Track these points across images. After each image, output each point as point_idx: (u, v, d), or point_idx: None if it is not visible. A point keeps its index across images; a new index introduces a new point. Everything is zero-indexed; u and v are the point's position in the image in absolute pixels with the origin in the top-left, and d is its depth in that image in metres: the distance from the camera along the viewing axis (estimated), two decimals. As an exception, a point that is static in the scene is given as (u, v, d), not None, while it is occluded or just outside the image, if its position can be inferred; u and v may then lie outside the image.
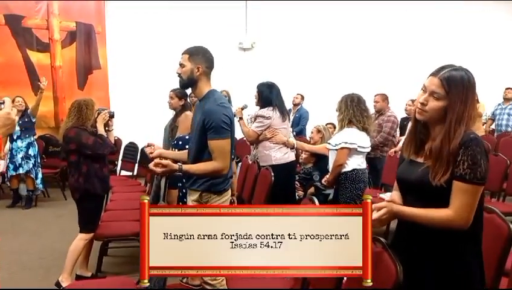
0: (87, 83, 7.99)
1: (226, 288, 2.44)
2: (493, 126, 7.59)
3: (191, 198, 2.59)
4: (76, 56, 7.91)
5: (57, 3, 7.72)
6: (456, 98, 1.57)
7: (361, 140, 3.51)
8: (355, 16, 8.50)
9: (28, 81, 7.54)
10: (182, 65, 2.47)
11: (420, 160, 1.68)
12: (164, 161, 2.37)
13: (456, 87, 1.57)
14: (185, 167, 2.44)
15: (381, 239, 1.76)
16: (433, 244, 1.63)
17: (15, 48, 7.59)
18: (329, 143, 3.70)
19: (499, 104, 7.31)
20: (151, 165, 2.39)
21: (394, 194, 1.81)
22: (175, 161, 2.57)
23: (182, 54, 2.49)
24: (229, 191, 2.62)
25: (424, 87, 1.64)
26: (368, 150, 3.63)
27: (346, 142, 3.46)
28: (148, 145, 2.73)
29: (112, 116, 3.62)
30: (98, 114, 3.49)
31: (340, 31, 8.44)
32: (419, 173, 1.64)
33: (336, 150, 3.52)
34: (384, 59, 8.48)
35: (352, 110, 3.50)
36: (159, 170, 2.36)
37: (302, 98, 7.43)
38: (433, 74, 1.62)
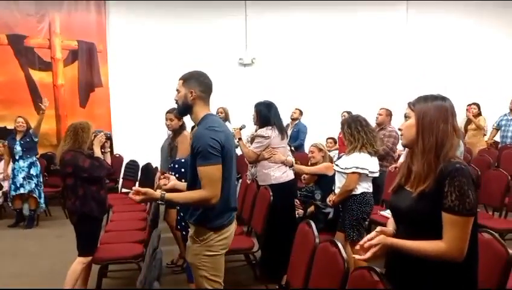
0: (89, 101, 8.03)
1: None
2: (497, 137, 7.54)
3: (190, 232, 2.46)
4: (78, 74, 7.97)
5: (59, 22, 7.81)
6: (421, 110, 1.65)
7: (372, 165, 3.51)
8: (352, 32, 8.53)
9: (30, 100, 7.60)
10: (177, 91, 2.42)
11: (409, 188, 1.68)
12: (143, 189, 2.22)
13: (420, 102, 1.68)
14: (169, 195, 2.26)
15: (377, 269, 1.74)
16: (426, 274, 1.61)
17: (17, 67, 7.67)
18: (337, 165, 3.66)
19: (505, 115, 7.26)
20: (130, 194, 2.24)
21: (390, 222, 1.81)
22: (175, 191, 2.51)
23: (178, 80, 2.44)
24: (232, 226, 2.43)
25: None
26: (377, 174, 3.61)
27: (357, 167, 3.45)
28: (165, 177, 2.57)
29: (108, 138, 3.62)
30: (95, 136, 3.49)
31: (338, 48, 8.48)
32: (409, 202, 1.63)
33: (346, 173, 3.50)
34: (382, 74, 8.48)
35: (365, 134, 3.49)
36: (137, 198, 2.20)
37: (301, 113, 7.47)
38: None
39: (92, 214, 3.38)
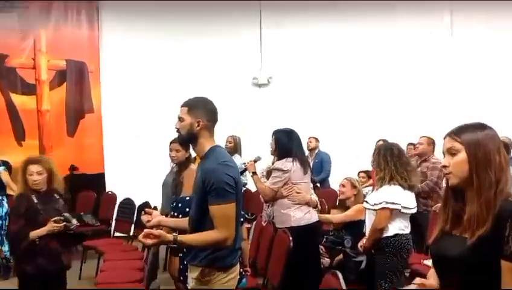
0: (78, 129, 8.18)
1: None
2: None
3: (192, 275, 2.53)
4: (66, 98, 8.15)
5: (45, 39, 8.03)
6: (471, 142, 1.65)
7: (405, 200, 3.52)
8: (386, 47, 8.56)
9: (11, 129, 7.75)
10: (180, 119, 2.49)
11: (459, 233, 1.69)
12: (156, 231, 2.31)
13: (465, 132, 1.68)
14: (181, 237, 2.36)
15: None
16: None
17: (-4, 92, 7.89)
18: (366, 202, 3.68)
19: None
20: (140, 237, 2.32)
21: (430, 274, 1.81)
22: (174, 230, 2.57)
23: (181, 106, 2.52)
24: (237, 266, 2.55)
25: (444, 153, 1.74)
26: (414, 211, 3.61)
27: (387, 202, 3.46)
28: (146, 213, 2.68)
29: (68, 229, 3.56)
30: (54, 221, 3.42)
31: (368, 65, 8.52)
32: (461, 249, 1.64)
33: (375, 210, 3.51)
34: (422, 97, 8.40)
35: (394, 165, 3.53)
36: (149, 241, 2.28)
37: (317, 140, 7.49)
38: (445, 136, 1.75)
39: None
